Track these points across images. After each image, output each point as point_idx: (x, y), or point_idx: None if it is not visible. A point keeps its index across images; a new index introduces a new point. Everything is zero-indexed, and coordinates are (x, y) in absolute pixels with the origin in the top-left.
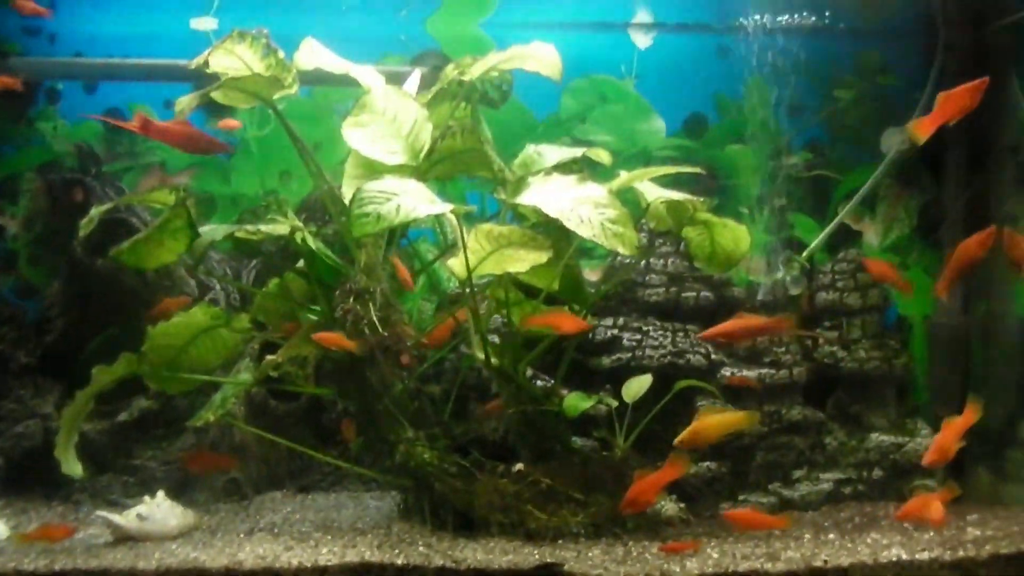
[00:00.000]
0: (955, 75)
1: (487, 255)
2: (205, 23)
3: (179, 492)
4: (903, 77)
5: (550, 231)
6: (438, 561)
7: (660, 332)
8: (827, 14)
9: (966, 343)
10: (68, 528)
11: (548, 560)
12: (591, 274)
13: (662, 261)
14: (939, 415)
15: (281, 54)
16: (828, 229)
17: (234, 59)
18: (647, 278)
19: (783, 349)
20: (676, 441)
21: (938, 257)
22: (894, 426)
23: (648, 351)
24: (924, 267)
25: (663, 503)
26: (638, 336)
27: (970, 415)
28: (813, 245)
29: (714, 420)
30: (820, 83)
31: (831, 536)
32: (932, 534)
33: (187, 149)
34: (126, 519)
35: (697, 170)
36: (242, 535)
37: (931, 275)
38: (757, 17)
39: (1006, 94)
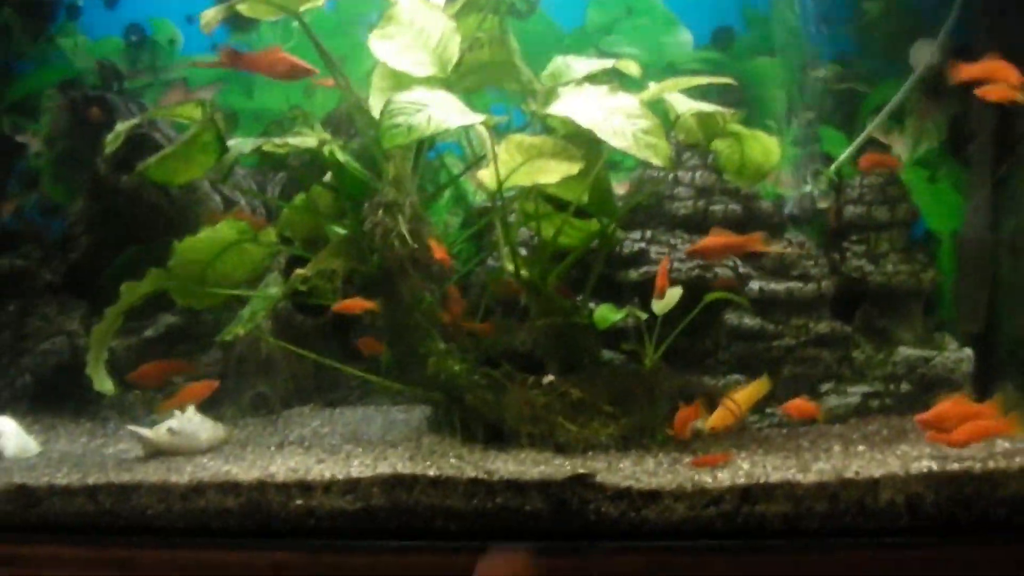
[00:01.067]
0: None
1: (518, 166)
2: None
3: (208, 407)
4: None
5: (580, 142)
6: (470, 472)
7: (688, 245)
8: None
9: (994, 258)
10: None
11: (580, 471)
12: (619, 187)
13: (690, 174)
14: (966, 330)
15: None
16: (856, 143)
17: None
18: (675, 191)
19: (811, 262)
20: (708, 427)
21: (966, 172)
22: (921, 340)
23: (676, 264)
24: (952, 182)
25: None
26: (666, 249)
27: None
28: (841, 158)
29: (738, 400)
30: None
31: (860, 448)
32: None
33: (277, 76)
34: (156, 433)
35: (728, 81)
36: (272, 448)
37: (958, 190)
38: None
39: None
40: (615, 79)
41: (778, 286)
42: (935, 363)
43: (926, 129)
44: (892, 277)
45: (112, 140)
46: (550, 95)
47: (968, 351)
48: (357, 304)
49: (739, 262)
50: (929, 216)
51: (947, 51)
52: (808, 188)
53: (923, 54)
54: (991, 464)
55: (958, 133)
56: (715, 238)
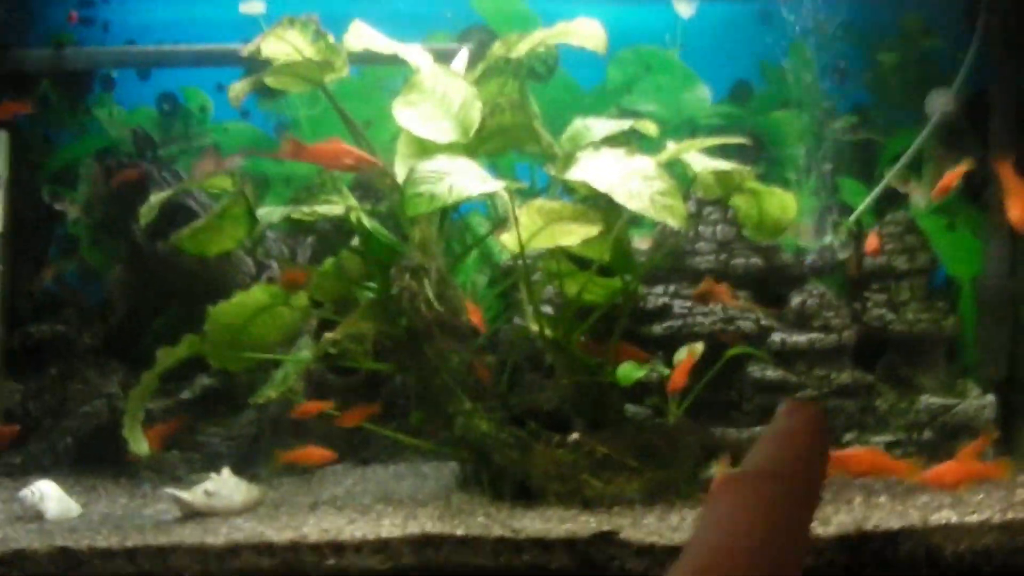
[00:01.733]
0: (1000, 34)
1: (539, 230)
2: (253, 7)
3: (243, 467)
4: (947, 38)
5: (600, 204)
6: (497, 531)
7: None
8: None
9: (1014, 303)
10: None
11: (605, 528)
12: (641, 242)
13: (711, 229)
14: (989, 376)
15: (331, 38)
16: (874, 192)
17: (285, 45)
18: (696, 246)
19: (832, 313)
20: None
21: (984, 218)
22: (944, 387)
23: (699, 318)
24: (971, 228)
25: (715, 468)
26: (689, 303)
27: None
28: (860, 208)
29: None
30: (863, 47)
31: (882, 499)
32: (982, 496)
33: (339, 168)
34: (193, 495)
35: (741, 140)
36: (306, 509)
37: (978, 237)
38: None
39: None
40: (634, 140)
41: (800, 337)
42: (957, 411)
43: (943, 176)
44: (913, 325)
45: (147, 212)
46: (569, 159)
47: (990, 397)
48: (315, 407)
49: (761, 315)
50: (949, 263)
51: (962, 99)
52: (828, 239)
53: (938, 102)
54: (1010, 515)
55: (976, 179)
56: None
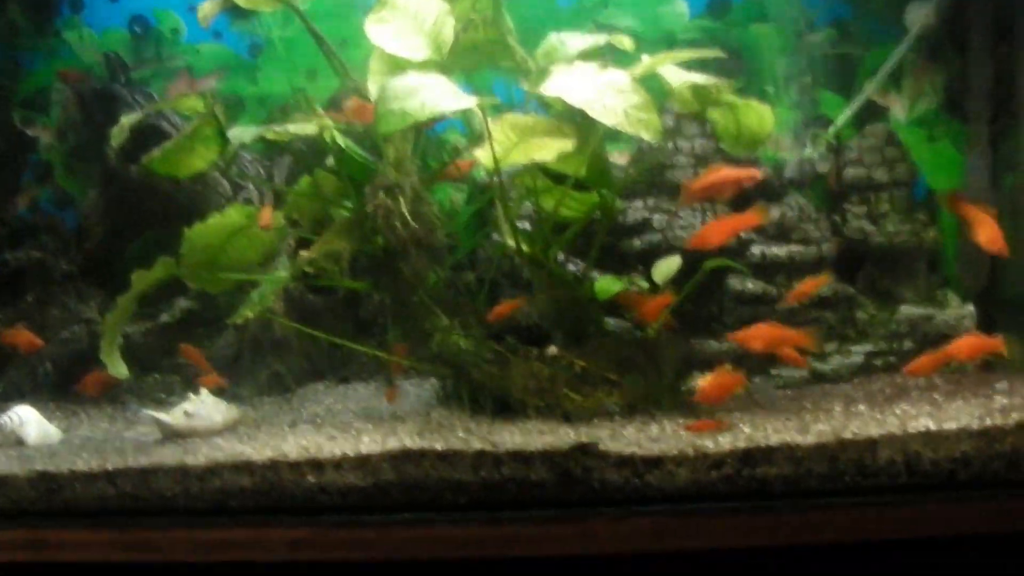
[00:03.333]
0: None
1: (513, 145)
2: None
3: (223, 388)
4: None
5: (575, 118)
6: (476, 445)
7: (689, 212)
8: None
9: (995, 215)
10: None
11: (583, 440)
12: (619, 157)
13: (689, 143)
14: (968, 286)
15: None
16: (853, 105)
17: None
18: (675, 160)
19: (811, 226)
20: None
21: (964, 130)
22: (924, 298)
23: (678, 231)
24: (952, 140)
25: (696, 381)
26: (667, 217)
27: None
28: (839, 121)
29: None
30: None
31: (861, 408)
32: (961, 403)
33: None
34: (173, 417)
35: (716, 53)
36: (286, 427)
37: (958, 149)
38: None
39: None
40: (609, 55)
41: (779, 250)
42: (937, 320)
43: (923, 89)
44: (893, 237)
45: (117, 134)
46: (543, 74)
47: (970, 307)
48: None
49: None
50: (930, 175)
51: (942, 11)
52: (807, 152)
53: (919, 15)
54: (988, 421)
55: (955, 92)
56: (714, 225)
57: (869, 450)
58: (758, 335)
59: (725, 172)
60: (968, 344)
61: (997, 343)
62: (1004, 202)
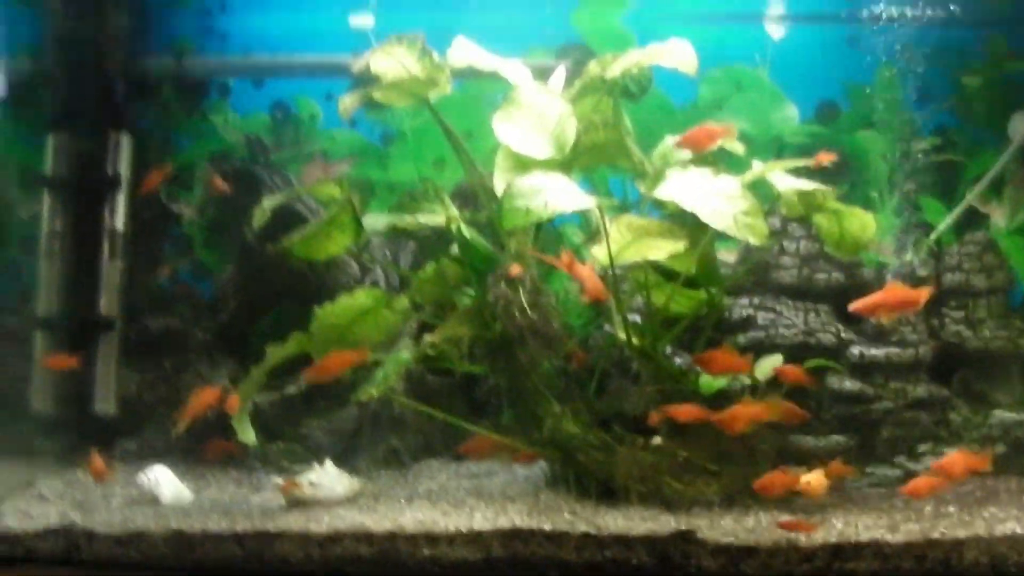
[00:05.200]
0: None
1: (628, 244)
2: (363, 19)
3: (343, 460)
4: None
5: (687, 219)
6: (581, 527)
7: (792, 311)
8: (955, 2)
9: None
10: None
11: (683, 527)
12: (728, 255)
13: (795, 244)
14: None
15: (435, 56)
16: (955, 212)
17: (393, 61)
18: (780, 260)
19: (910, 328)
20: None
21: None
22: (1018, 403)
23: (781, 329)
24: None
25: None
26: (772, 315)
27: None
28: (941, 227)
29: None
30: (948, 69)
31: (951, 509)
32: None
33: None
34: (299, 485)
35: (831, 157)
36: (403, 501)
37: None
38: (885, 7)
39: None
40: (722, 158)
41: (877, 351)
42: None
43: None
44: (989, 342)
45: (259, 216)
46: (659, 176)
47: None
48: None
49: (841, 328)
50: None
51: None
52: (909, 256)
53: (1022, 125)
54: None
55: None
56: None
57: (956, 550)
58: (957, 466)
59: (899, 292)
60: (956, 462)
61: (983, 460)
62: None
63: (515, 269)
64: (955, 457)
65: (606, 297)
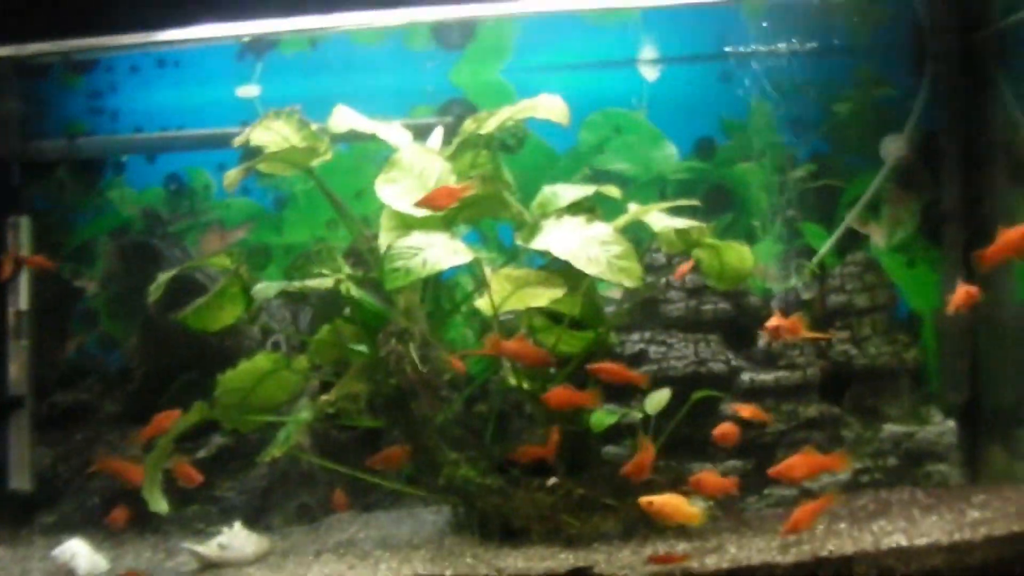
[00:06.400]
0: (946, 81)
1: (509, 294)
2: (249, 91)
3: (257, 518)
4: (898, 87)
5: (568, 265)
6: (482, 571)
7: (683, 343)
8: (821, 34)
9: (972, 331)
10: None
11: (580, 564)
12: (615, 292)
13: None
14: (951, 401)
15: (313, 126)
16: (835, 235)
17: (272, 134)
18: (668, 294)
19: (797, 352)
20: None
21: (941, 254)
22: (909, 415)
23: (673, 361)
24: (930, 263)
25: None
26: (663, 348)
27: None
28: (822, 251)
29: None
30: (819, 99)
31: (842, 525)
32: (935, 519)
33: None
34: (208, 549)
35: (692, 203)
36: (311, 556)
37: (936, 271)
38: (755, 43)
39: (995, 96)
40: (599, 203)
41: (767, 376)
42: (919, 437)
43: (901, 217)
44: (876, 358)
45: (155, 289)
46: (535, 228)
47: (951, 423)
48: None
49: (731, 356)
50: (911, 297)
51: (914, 142)
52: (792, 281)
53: (893, 147)
54: (956, 536)
55: (932, 218)
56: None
57: (844, 566)
58: (798, 467)
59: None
60: (795, 465)
61: (834, 460)
62: (981, 318)
63: (456, 363)
64: (795, 460)
65: (551, 360)
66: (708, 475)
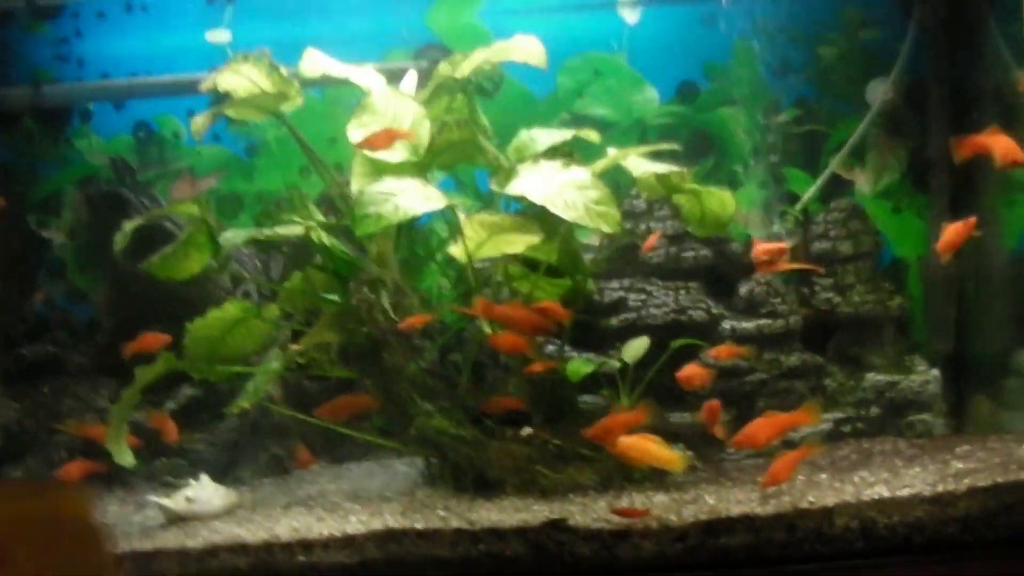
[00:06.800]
0: (934, 22)
1: (483, 241)
2: (219, 35)
3: (227, 471)
4: (884, 30)
5: (544, 211)
6: (454, 523)
7: (663, 291)
8: None
9: (959, 279)
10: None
11: (554, 516)
12: (594, 239)
13: (661, 224)
14: (937, 350)
15: (283, 70)
16: (819, 181)
17: (241, 78)
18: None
19: (779, 299)
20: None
21: (927, 200)
22: (892, 364)
23: (652, 309)
24: (916, 210)
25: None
26: (643, 296)
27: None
28: (806, 197)
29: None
30: (804, 42)
31: (823, 476)
32: (918, 469)
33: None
34: (176, 502)
35: (671, 147)
36: (280, 509)
37: (922, 218)
38: None
39: (984, 39)
40: (577, 147)
41: (748, 324)
42: (902, 386)
43: (887, 163)
44: (859, 306)
45: (120, 239)
46: (510, 172)
47: (935, 372)
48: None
49: (712, 304)
50: (896, 244)
51: (901, 87)
52: (776, 228)
53: (878, 92)
54: (939, 488)
55: (918, 164)
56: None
57: (825, 518)
58: (760, 431)
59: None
60: (760, 428)
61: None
62: (967, 265)
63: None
64: (755, 426)
65: (549, 326)
66: (694, 368)
